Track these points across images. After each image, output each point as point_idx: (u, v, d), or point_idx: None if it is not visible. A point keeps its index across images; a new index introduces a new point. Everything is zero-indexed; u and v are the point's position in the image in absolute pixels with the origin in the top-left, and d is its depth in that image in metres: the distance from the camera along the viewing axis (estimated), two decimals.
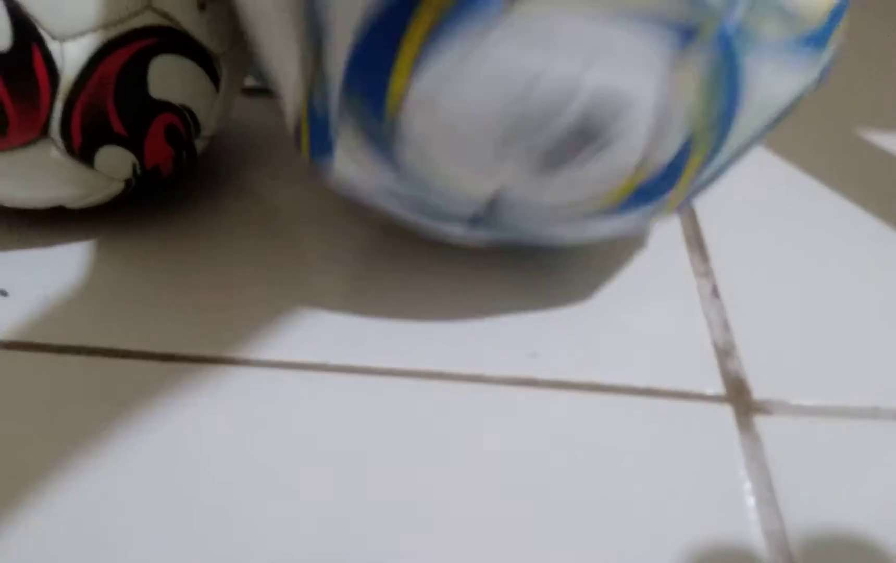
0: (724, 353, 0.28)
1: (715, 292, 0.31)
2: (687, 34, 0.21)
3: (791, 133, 0.40)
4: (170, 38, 0.28)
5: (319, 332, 0.29)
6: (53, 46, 0.26)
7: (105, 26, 0.26)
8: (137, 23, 0.27)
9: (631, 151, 0.23)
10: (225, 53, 0.30)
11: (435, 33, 0.20)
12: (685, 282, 0.31)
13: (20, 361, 0.27)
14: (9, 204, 0.32)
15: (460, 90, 0.21)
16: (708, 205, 0.35)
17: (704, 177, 0.25)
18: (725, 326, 0.29)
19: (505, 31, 0.20)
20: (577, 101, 0.21)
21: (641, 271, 0.32)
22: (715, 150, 0.24)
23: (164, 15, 0.28)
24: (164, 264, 0.32)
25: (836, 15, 0.24)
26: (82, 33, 0.26)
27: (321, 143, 0.25)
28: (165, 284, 0.31)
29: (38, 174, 0.29)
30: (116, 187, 0.32)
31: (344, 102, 0.23)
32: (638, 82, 0.21)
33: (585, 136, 0.22)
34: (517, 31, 0.20)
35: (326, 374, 0.27)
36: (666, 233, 0.34)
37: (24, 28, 0.25)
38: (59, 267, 0.32)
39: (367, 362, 0.27)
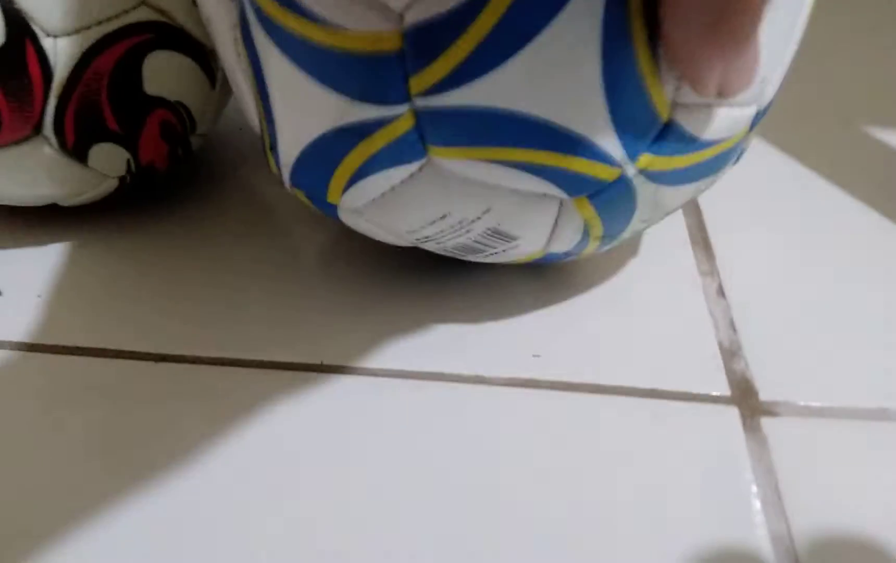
0: (730, 353, 0.28)
1: (720, 292, 0.30)
2: (584, 185, 0.22)
3: (797, 130, 0.40)
4: (165, 34, 0.28)
5: (316, 333, 0.28)
6: (47, 43, 0.25)
7: (99, 22, 0.26)
8: (132, 18, 0.26)
9: (533, 246, 0.26)
10: None
11: (363, 169, 0.23)
12: (690, 281, 0.31)
13: (16, 361, 0.27)
14: (2, 202, 0.31)
15: (383, 210, 0.24)
16: (713, 203, 0.35)
17: (610, 244, 0.27)
18: (731, 326, 0.29)
19: (424, 173, 0.22)
20: (483, 225, 0.24)
21: (645, 271, 0.31)
22: (612, 240, 0.27)
23: (159, 10, 0.27)
24: (158, 262, 0.31)
25: (756, 121, 0.24)
26: (76, 29, 0.26)
27: (281, 179, 0.26)
28: (159, 282, 0.30)
29: (32, 172, 0.29)
30: (110, 185, 0.31)
31: (293, 180, 0.26)
32: (534, 214, 0.24)
33: (490, 241, 0.25)
34: (434, 173, 0.22)
35: (320, 375, 0.27)
36: (670, 231, 0.33)
37: (17, 24, 0.25)
38: (53, 266, 0.31)
39: (363, 363, 0.27)
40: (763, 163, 0.38)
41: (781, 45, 0.23)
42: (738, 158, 0.27)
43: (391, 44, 0.20)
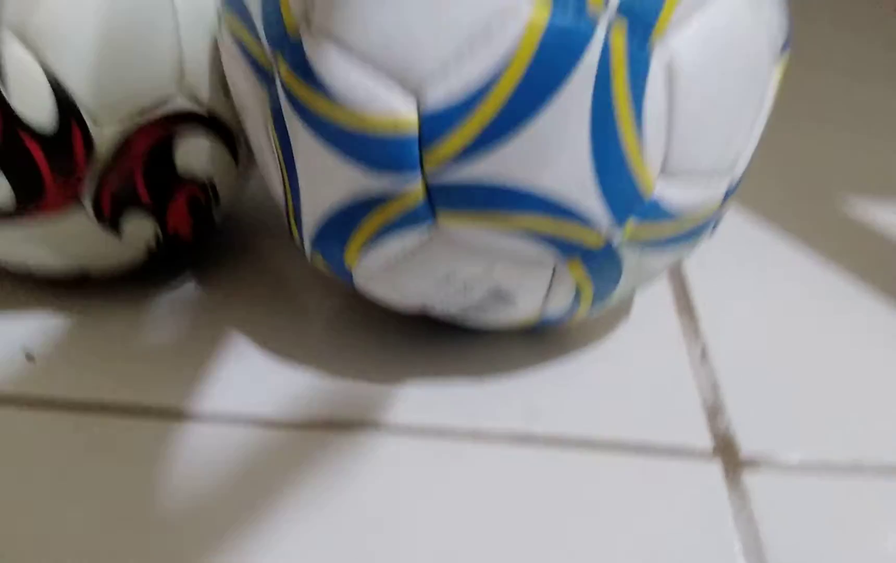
0: (714, 411, 0.30)
1: (704, 353, 0.32)
2: (576, 249, 0.25)
3: (778, 199, 0.43)
4: (198, 120, 0.31)
5: (319, 392, 0.30)
6: (93, 129, 0.28)
7: (141, 111, 0.29)
8: (170, 107, 0.29)
9: (530, 307, 0.28)
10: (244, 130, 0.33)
11: (378, 234, 0.26)
12: (676, 344, 0.33)
13: (44, 420, 0.29)
14: (36, 270, 0.33)
15: (395, 274, 0.27)
16: (697, 270, 0.37)
17: (600, 308, 0.30)
18: (714, 385, 0.31)
19: (433, 238, 0.25)
20: (484, 285, 0.27)
21: (635, 335, 0.33)
22: (602, 303, 0.29)
23: (194, 98, 0.30)
24: (176, 326, 0.33)
25: (727, 196, 0.28)
26: (119, 117, 0.28)
27: (302, 247, 0.29)
28: (175, 343, 0.32)
29: (69, 241, 0.31)
30: (138, 254, 0.34)
31: (314, 247, 0.28)
32: (532, 274, 0.26)
33: (490, 302, 0.28)
34: (442, 238, 0.25)
35: (329, 432, 0.28)
36: (657, 297, 0.36)
37: (69, 111, 0.28)
38: (82, 330, 0.33)
39: (366, 417, 0.29)
40: (744, 230, 0.41)
41: (748, 124, 0.27)
42: (713, 228, 0.30)
43: (409, 126, 0.23)
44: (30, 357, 0.32)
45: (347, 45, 0.23)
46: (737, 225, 0.41)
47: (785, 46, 0.28)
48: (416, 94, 0.23)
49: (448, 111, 0.22)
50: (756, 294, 0.37)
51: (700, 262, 0.37)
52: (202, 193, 0.33)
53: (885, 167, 0.48)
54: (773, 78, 0.28)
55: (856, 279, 0.37)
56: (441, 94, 0.22)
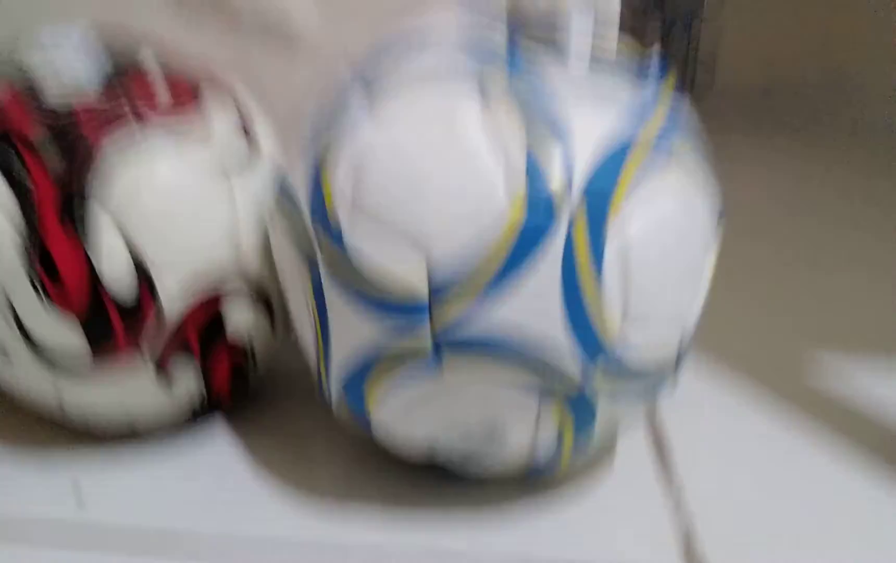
0: (688, 552, 0.33)
1: (679, 504, 0.36)
2: (555, 392, 0.31)
3: (746, 354, 0.48)
4: (247, 294, 0.37)
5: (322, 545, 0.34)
6: (164, 300, 0.35)
7: (204, 287, 0.35)
8: (229, 286, 0.36)
9: (520, 447, 0.33)
10: (283, 304, 0.39)
11: (394, 382, 0.31)
12: (651, 490, 0.37)
13: None
14: (94, 422, 0.38)
15: (406, 419, 0.33)
16: (672, 418, 0.42)
17: (582, 452, 0.35)
18: (687, 531, 0.34)
19: (439, 385, 0.31)
20: (482, 426, 0.32)
21: (615, 483, 0.37)
22: (582, 446, 0.34)
23: (246, 277, 0.37)
24: (204, 477, 0.37)
25: (681, 353, 0.34)
26: (186, 291, 0.35)
27: (328, 399, 0.35)
28: (199, 496, 0.36)
29: (128, 396, 0.37)
30: (183, 411, 0.39)
31: (338, 398, 0.34)
32: (520, 416, 0.31)
33: (487, 442, 0.33)
34: (446, 385, 0.31)
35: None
36: (636, 449, 0.40)
37: (147, 285, 0.34)
38: (130, 481, 0.37)
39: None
40: (719, 379, 0.46)
41: (692, 289, 0.33)
42: (674, 380, 0.35)
43: (421, 291, 0.29)
44: (79, 503, 0.36)
45: (376, 231, 0.30)
46: (711, 374, 0.46)
47: (720, 221, 0.35)
48: (427, 267, 0.29)
49: (450, 280, 0.29)
50: (728, 443, 0.41)
51: (676, 408, 0.42)
52: (244, 358, 0.39)
53: (846, 315, 0.54)
54: (711, 253, 0.34)
55: (822, 428, 0.42)
56: (446, 267, 0.29)
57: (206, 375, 0.38)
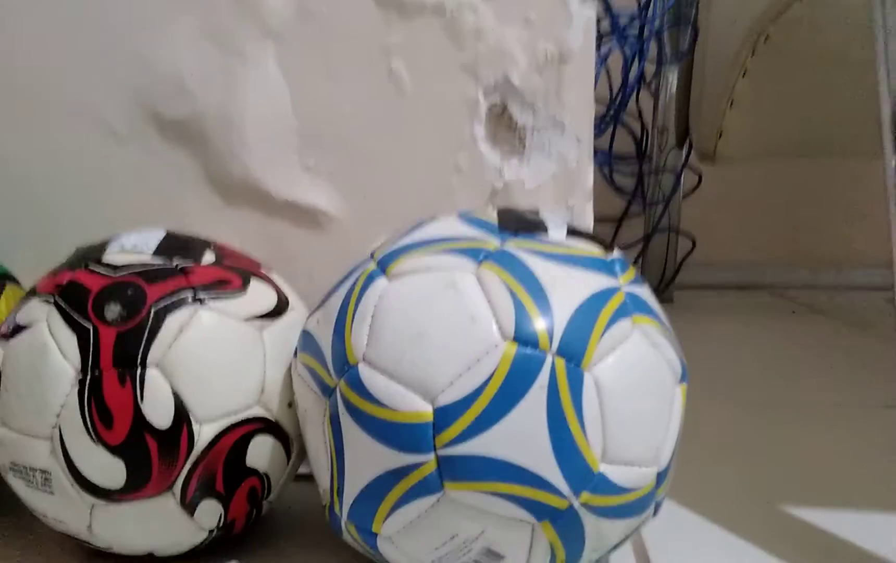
0: None
1: None
2: (546, 511, 0.35)
3: (723, 501, 0.52)
4: (267, 424, 0.42)
5: None
6: (195, 427, 0.39)
7: (230, 414, 0.40)
8: (251, 413, 0.41)
9: None
10: (297, 437, 0.44)
11: (401, 500, 0.35)
12: None
13: None
14: (117, 545, 0.41)
15: (410, 535, 0.36)
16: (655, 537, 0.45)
17: None
18: None
19: (440, 502, 0.35)
20: (480, 544, 0.36)
21: None
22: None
23: (267, 408, 0.41)
24: None
25: (660, 480, 0.38)
26: (216, 418, 0.39)
27: (337, 527, 0.39)
28: None
29: (154, 522, 0.40)
30: (201, 537, 0.42)
31: (348, 518, 0.38)
32: (515, 534, 0.35)
33: (484, 560, 0.36)
34: (447, 502, 0.34)
35: None
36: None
37: (181, 413, 0.39)
38: None
39: None
40: (697, 531, 0.49)
41: (663, 427, 0.38)
42: (656, 508, 0.39)
43: (426, 418, 0.34)
44: None
45: (388, 372, 0.35)
46: (692, 525, 0.50)
47: (683, 378, 0.40)
48: (432, 399, 0.34)
49: (452, 408, 0.34)
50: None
51: (661, 537, 0.46)
52: (260, 485, 0.42)
53: (811, 461, 0.59)
54: (678, 397, 0.39)
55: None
56: (448, 398, 0.34)
57: (225, 503, 0.41)
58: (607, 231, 1.35)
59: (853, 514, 0.51)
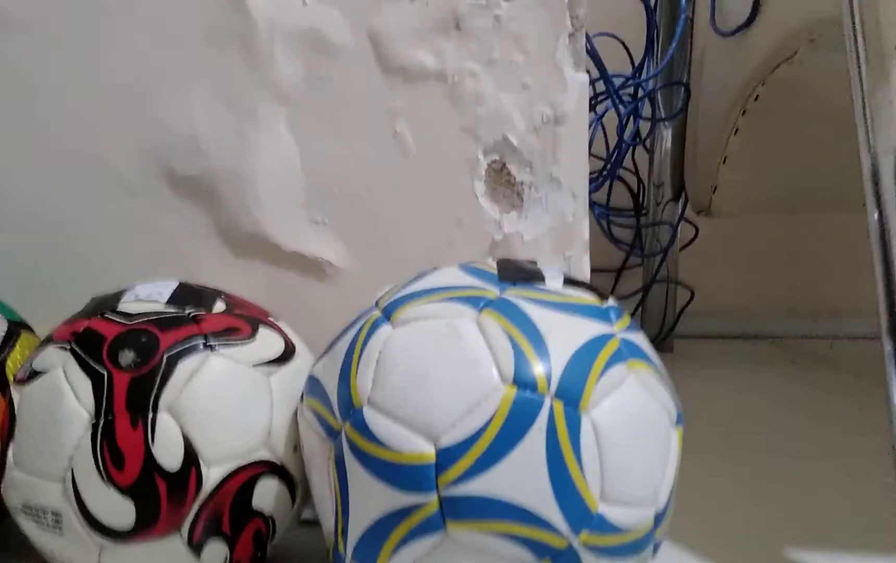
0: None
1: None
2: (546, 550, 0.36)
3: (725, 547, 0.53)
4: (273, 467, 0.43)
5: None
6: (204, 469, 0.40)
7: (238, 456, 0.41)
8: (257, 455, 0.42)
9: None
10: (302, 480, 0.45)
11: (404, 539, 0.36)
12: None
13: None
14: None
15: None
16: None
17: None
18: None
19: (443, 542, 0.36)
20: None
21: None
22: None
23: (274, 451, 0.43)
24: None
25: (658, 521, 0.40)
26: (224, 461, 0.41)
27: (342, 559, 0.39)
28: None
29: (162, 561, 0.41)
30: None
31: (354, 555, 0.38)
32: None
33: None
34: (449, 541, 0.35)
35: None
36: None
37: (190, 456, 0.40)
38: None
39: None
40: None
41: (660, 468, 0.39)
42: (655, 548, 0.40)
43: (429, 458, 0.35)
44: None
45: (392, 414, 0.37)
46: (694, 555, 0.51)
47: (678, 421, 0.42)
48: (435, 440, 0.36)
49: (454, 449, 0.35)
50: None
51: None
52: (265, 527, 0.44)
53: (812, 507, 0.59)
54: (674, 439, 0.41)
55: None
56: (450, 439, 0.35)
57: (231, 544, 0.42)
58: (607, 282, 1.38)
59: (855, 558, 0.52)
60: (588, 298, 0.42)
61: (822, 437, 0.83)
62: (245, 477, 0.42)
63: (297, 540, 0.52)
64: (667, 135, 1.24)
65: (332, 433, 0.39)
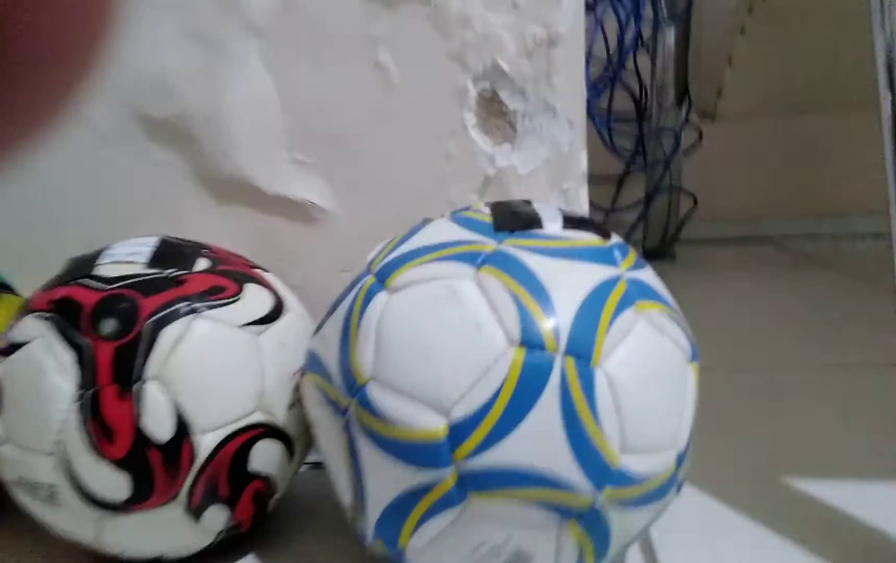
0: None
1: None
2: (570, 511, 0.35)
3: (735, 479, 0.53)
4: (268, 428, 0.42)
5: None
6: (197, 438, 0.39)
7: (231, 421, 0.40)
8: (251, 419, 0.41)
9: None
10: (300, 437, 0.44)
11: (425, 515, 0.35)
12: None
13: None
14: (126, 554, 0.42)
15: (438, 547, 0.36)
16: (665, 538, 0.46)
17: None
18: None
19: (465, 513, 0.35)
20: (508, 549, 0.36)
21: None
22: (602, 558, 0.37)
23: (268, 412, 0.42)
24: None
25: (680, 461, 0.38)
26: (217, 427, 0.40)
27: (363, 540, 0.39)
28: None
29: (160, 529, 0.41)
30: (208, 539, 0.42)
31: (374, 534, 0.38)
32: (542, 536, 0.35)
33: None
34: (471, 513, 0.35)
35: None
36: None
37: (182, 425, 0.39)
38: None
39: None
40: (706, 508, 0.50)
41: (679, 409, 0.38)
42: (678, 488, 0.39)
43: (442, 434, 0.34)
44: None
45: (398, 389, 0.35)
46: (699, 503, 0.51)
47: (693, 357, 0.40)
48: (445, 414, 0.34)
49: (466, 422, 0.34)
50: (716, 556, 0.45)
51: (664, 522, 0.46)
52: (265, 486, 0.43)
53: (815, 428, 0.59)
54: (690, 376, 0.39)
55: (803, 551, 0.45)
56: (461, 411, 0.34)
57: (231, 506, 0.42)
58: (608, 192, 1.35)
59: (858, 485, 0.52)
60: (591, 239, 0.39)
61: (826, 348, 0.82)
62: (241, 441, 0.41)
63: (301, 486, 0.52)
64: (670, 36, 1.18)
65: (340, 411, 0.37)
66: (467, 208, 0.42)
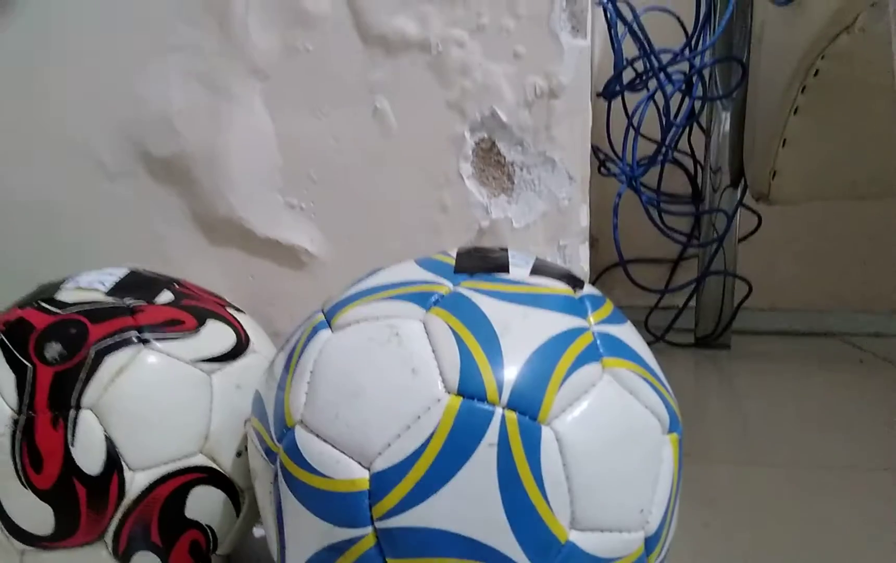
0: None
1: None
2: None
3: None
4: (211, 475, 0.39)
5: None
6: (128, 475, 0.37)
7: (167, 461, 0.38)
8: (191, 462, 0.38)
9: None
10: (249, 488, 0.41)
11: None
12: None
13: None
14: None
15: None
16: None
17: None
18: None
19: None
20: None
21: None
22: None
23: (212, 457, 0.39)
24: None
25: (650, 546, 0.33)
26: (151, 466, 0.37)
27: None
28: None
29: None
30: None
31: None
32: None
33: None
34: None
35: None
36: None
37: (112, 460, 0.37)
38: None
39: None
40: None
41: (648, 486, 0.33)
42: None
43: (362, 485, 0.30)
44: None
45: (323, 434, 0.32)
46: None
47: (673, 427, 0.35)
48: (368, 463, 0.30)
49: (389, 474, 0.30)
50: None
51: None
52: (204, 538, 0.40)
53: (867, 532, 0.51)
54: (667, 449, 0.34)
55: None
56: (384, 462, 0.30)
57: (164, 556, 0.39)
58: (662, 274, 1.29)
59: None
60: (557, 287, 0.36)
61: (891, 450, 0.74)
62: (176, 484, 0.38)
63: (261, 550, 0.49)
64: (725, 116, 1.14)
65: (272, 457, 0.34)
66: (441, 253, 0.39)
